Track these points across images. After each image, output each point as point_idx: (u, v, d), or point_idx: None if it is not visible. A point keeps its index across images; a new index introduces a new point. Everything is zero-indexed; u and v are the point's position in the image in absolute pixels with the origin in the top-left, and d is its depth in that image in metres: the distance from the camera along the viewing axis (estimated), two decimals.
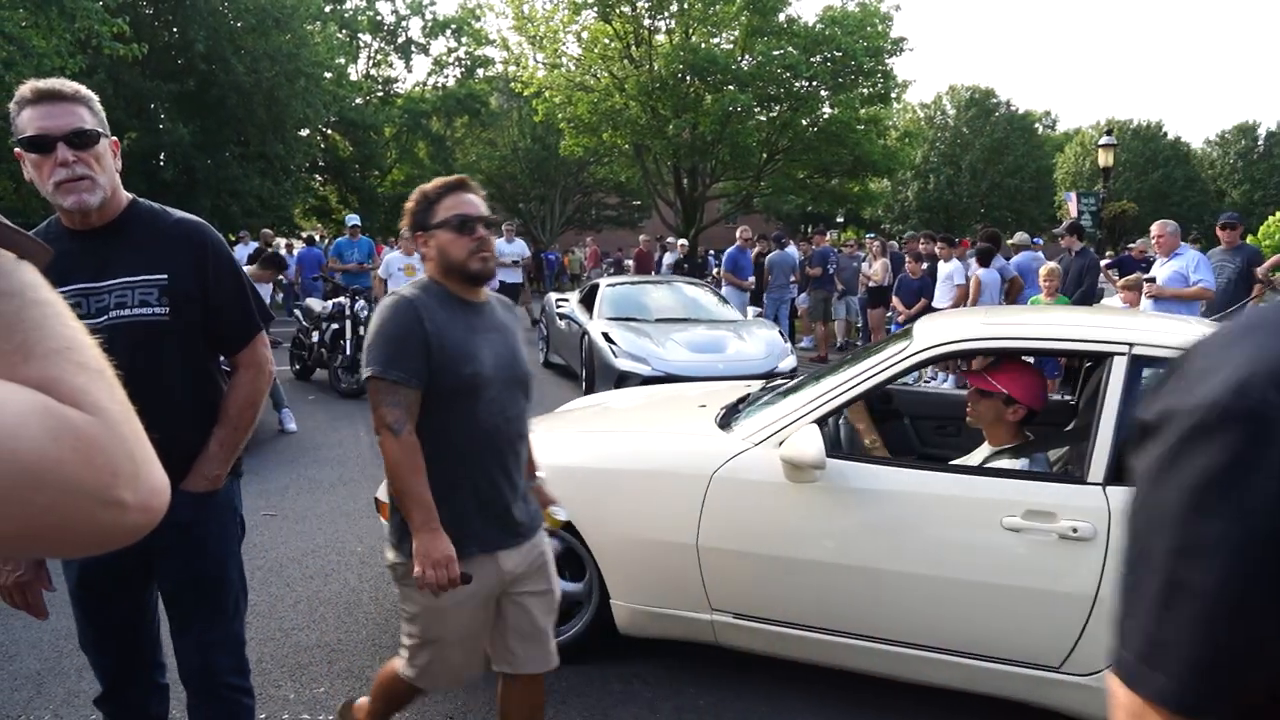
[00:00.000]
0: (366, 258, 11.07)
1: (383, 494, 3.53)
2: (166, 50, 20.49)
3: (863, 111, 19.41)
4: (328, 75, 24.28)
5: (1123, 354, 2.65)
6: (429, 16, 33.11)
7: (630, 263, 18.45)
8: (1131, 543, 0.63)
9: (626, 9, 19.16)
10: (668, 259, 14.70)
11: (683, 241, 15.28)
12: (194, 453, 1.96)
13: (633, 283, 9.96)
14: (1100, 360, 2.81)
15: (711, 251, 24.97)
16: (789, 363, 7.65)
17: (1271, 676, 0.56)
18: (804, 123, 19.58)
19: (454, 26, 33.30)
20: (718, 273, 18.17)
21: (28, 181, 1.85)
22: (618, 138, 20.08)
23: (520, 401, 2.16)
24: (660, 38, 19.76)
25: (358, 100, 28.52)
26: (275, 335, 6.72)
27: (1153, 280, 6.65)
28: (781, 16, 18.97)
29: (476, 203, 2.11)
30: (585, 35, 19.99)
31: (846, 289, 12.30)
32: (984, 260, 8.60)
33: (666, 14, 19.46)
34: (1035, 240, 11.20)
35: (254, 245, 14.54)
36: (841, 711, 2.98)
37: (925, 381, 8.91)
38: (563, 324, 9.54)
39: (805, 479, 2.73)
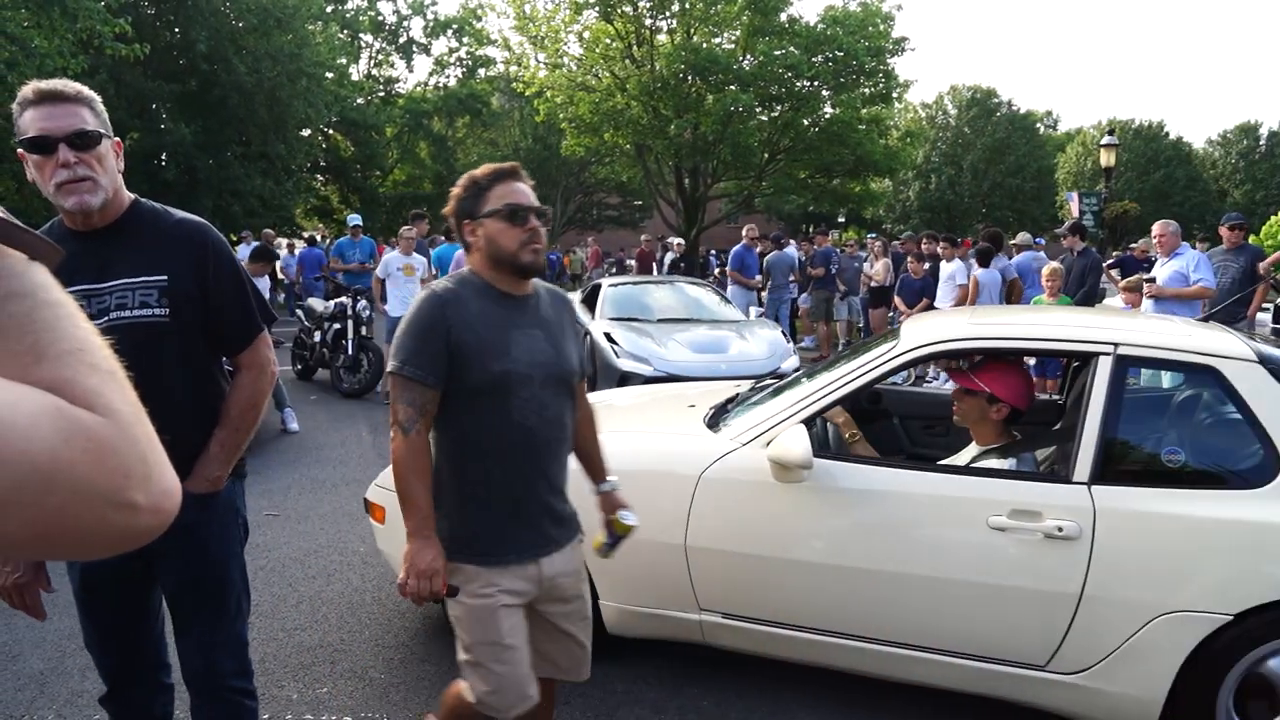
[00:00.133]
0: (368, 258, 11.07)
1: (373, 494, 3.53)
2: (168, 50, 20.53)
3: (864, 111, 19.41)
4: (329, 75, 24.32)
5: (1108, 354, 2.67)
6: (430, 16, 33.18)
7: (632, 263, 18.45)
8: None
9: (628, 9, 19.17)
10: (668, 259, 14.71)
11: (679, 240, 15.25)
12: (195, 454, 1.96)
13: (635, 283, 9.95)
14: (1086, 360, 2.81)
15: (713, 251, 24.97)
16: (792, 363, 7.64)
17: None
18: (805, 123, 19.59)
19: (455, 26, 33.36)
20: (719, 272, 18.21)
21: (30, 182, 1.85)
22: (619, 138, 20.09)
23: (561, 400, 2.04)
24: (662, 38, 19.77)
25: (359, 100, 28.56)
26: (277, 335, 6.66)
27: (1153, 280, 6.65)
28: (783, 16, 18.98)
29: (528, 192, 2.00)
30: (587, 35, 19.99)
31: (848, 289, 12.29)
32: (984, 260, 8.59)
33: (668, 14, 19.47)
34: (1037, 240, 11.20)
35: (256, 245, 14.54)
36: (844, 712, 2.98)
37: (928, 381, 8.91)
38: None
39: (792, 479, 2.74)
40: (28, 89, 1.78)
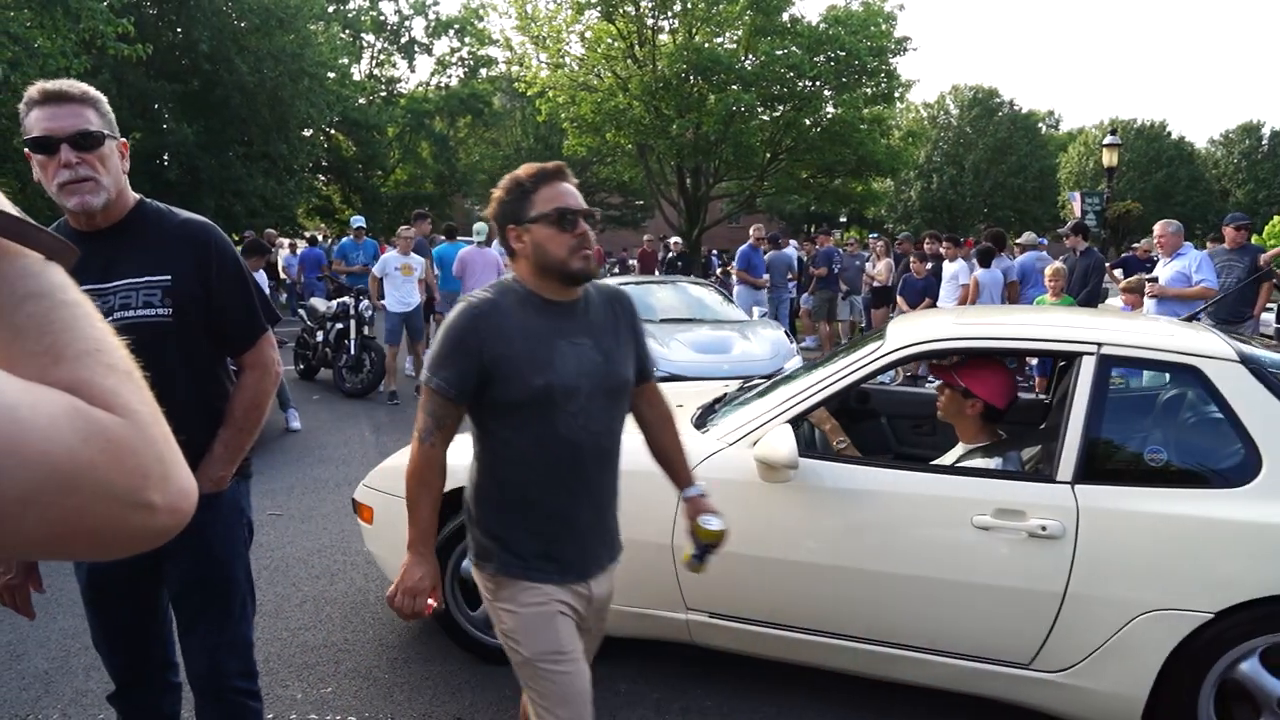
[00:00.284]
0: (371, 259, 11.05)
1: (360, 495, 3.54)
2: (171, 50, 20.57)
3: (866, 111, 19.44)
4: (331, 75, 24.36)
5: (1091, 354, 2.70)
6: (432, 16, 33.18)
7: (634, 262, 18.46)
8: None
9: (630, 9, 19.20)
10: (667, 259, 14.70)
11: (676, 240, 15.21)
12: (200, 454, 1.95)
13: (637, 283, 9.95)
14: (1071, 360, 2.83)
15: (714, 251, 24.98)
16: (795, 363, 7.63)
17: None
18: (807, 122, 19.63)
19: (457, 26, 33.38)
20: (721, 272, 18.21)
21: (35, 182, 1.86)
22: (621, 137, 20.11)
23: (611, 413, 1.92)
24: (664, 37, 19.80)
25: (361, 100, 28.57)
26: (279, 335, 6.59)
27: (1155, 280, 6.64)
28: (785, 16, 19.01)
29: (576, 194, 1.87)
30: (589, 35, 20.03)
31: (850, 289, 12.29)
32: (985, 260, 8.59)
33: (670, 14, 19.50)
34: (1040, 240, 11.19)
35: (248, 240, 14.54)
36: (846, 712, 2.99)
37: (929, 382, 8.90)
38: None
39: (778, 479, 2.75)
40: (34, 89, 1.79)
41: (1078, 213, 20.45)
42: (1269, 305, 8.07)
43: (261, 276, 7.90)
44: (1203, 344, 2.66)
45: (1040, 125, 48.15)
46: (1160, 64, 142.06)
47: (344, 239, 12.68)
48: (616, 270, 22.29)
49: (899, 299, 9.87)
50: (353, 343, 8.84)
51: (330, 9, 28.74)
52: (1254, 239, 12.53)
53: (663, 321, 8.51)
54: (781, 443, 2.69)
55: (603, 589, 1.98)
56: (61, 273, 0.59)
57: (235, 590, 2.07)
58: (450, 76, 34.26)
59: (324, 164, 29.46)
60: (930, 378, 9.02)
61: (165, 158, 20.07)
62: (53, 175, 1.79)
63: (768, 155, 20.50)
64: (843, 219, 33.67)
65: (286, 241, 22.60)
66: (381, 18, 32.79)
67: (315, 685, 3.17)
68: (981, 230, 17.23)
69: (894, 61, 19.64)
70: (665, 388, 2.33)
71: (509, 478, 1.87)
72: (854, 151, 19.34)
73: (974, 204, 42.51)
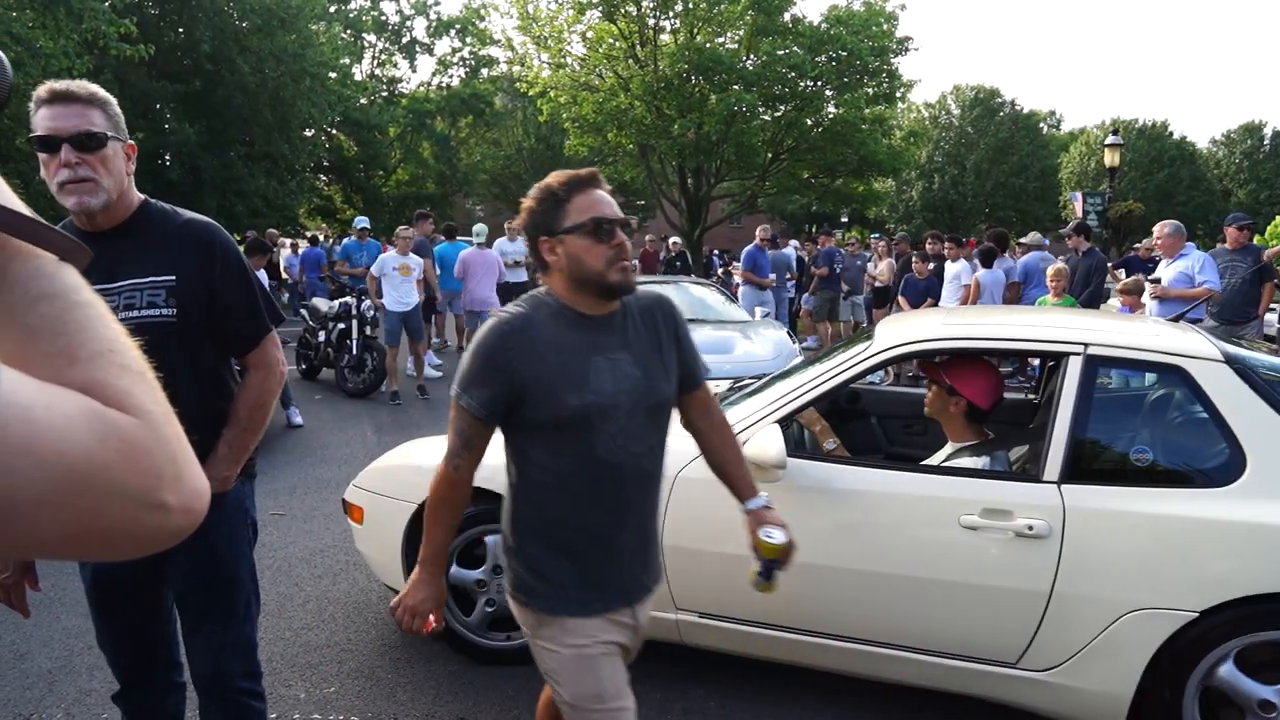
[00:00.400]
0: (374, 260, 11.06)
1: (351, 495, 3.53)
2: (172, 51, 20.59)
3: (867, 111, 19.42)
4: (332, 75, 24.37)
5: (1078, 354, 2.71)
6: (433, 16, 33.18)
7: (636, 262, 18.46)
8: None
9: (631, 9, 19.21)
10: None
11: (674, 240, 15.20)
12: (204, 454, 1.96)
13: (639, 283, 9.94)
14: (1059, 360, 2.85)
15: (716, 251, 24.97)
16: (797, 363, 7.64)
17: None
18: (809, 122, 19.63)
19: (458, 26, 33.38)
20: (722, 272, 18.20)
21: (37, 180, 1.87)
22: (622, 137, 20.11)
23: (652, 432, 1.82)
24: (665, 37, 19.80)
25: (362, 100, 28.57)
26: (281, 334, 6.54)
27: (1157, 281, 6.63)
28: (786, 16, 19.01)
29: (612, 202, 1.77)
30: (590, 35, 20.03)
31: (852, 289, 12.29)
32: (986, 261, 8.59)
33: (671, 14, 19.49)
34: (1044, 240, 11.18)
35: (249, 238, 14.53)
36: (849, 713, 2.99)
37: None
38: None
39: (767, 478, 2.75)
40: (44, 88, 1.79)
41: (1079, 213, 20.46)
42: (1271, 306, 8.06)
43: (263, 276, 7.92)
44: (1188, 344, 2.68)
45: (1042, 125, 48.09)
46: (1162, 64, 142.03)
47: (346, 239, 12.64)
48: None
49: (901, 299, 9.87)
50: (355, 343, 8.85)
51: (331, 9, 28.76)
52: (1256, 239, 12.54)
53: None
54: (770, 443, 2.71)
55: (646, 614, 1.92)
56: (75, 274, 0.59)
57: (240, 590, 2.08)
58: (451, 76, 34.27)
59: (325, 164, 29.46)
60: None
61: (167, 158, 20.09)
62: (54, 174, 1.79)
63: (769, 155, 20.50)
64: (844, 219, 33.68)
65: (288, 241, 22.59)
66: (383, 18, 32.80)
67: (318, 685, 3.18)
68: (983, 230, 17.21)
69: (895, 61, 19.64)
70: None
71: (546, 503, 1.79)
72: (855, 151, 19.34)
73: (975, 204, 42.47)
